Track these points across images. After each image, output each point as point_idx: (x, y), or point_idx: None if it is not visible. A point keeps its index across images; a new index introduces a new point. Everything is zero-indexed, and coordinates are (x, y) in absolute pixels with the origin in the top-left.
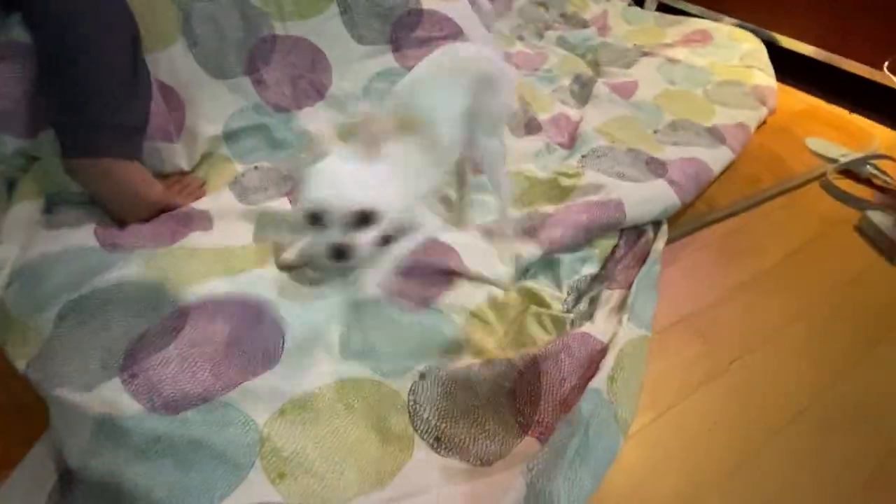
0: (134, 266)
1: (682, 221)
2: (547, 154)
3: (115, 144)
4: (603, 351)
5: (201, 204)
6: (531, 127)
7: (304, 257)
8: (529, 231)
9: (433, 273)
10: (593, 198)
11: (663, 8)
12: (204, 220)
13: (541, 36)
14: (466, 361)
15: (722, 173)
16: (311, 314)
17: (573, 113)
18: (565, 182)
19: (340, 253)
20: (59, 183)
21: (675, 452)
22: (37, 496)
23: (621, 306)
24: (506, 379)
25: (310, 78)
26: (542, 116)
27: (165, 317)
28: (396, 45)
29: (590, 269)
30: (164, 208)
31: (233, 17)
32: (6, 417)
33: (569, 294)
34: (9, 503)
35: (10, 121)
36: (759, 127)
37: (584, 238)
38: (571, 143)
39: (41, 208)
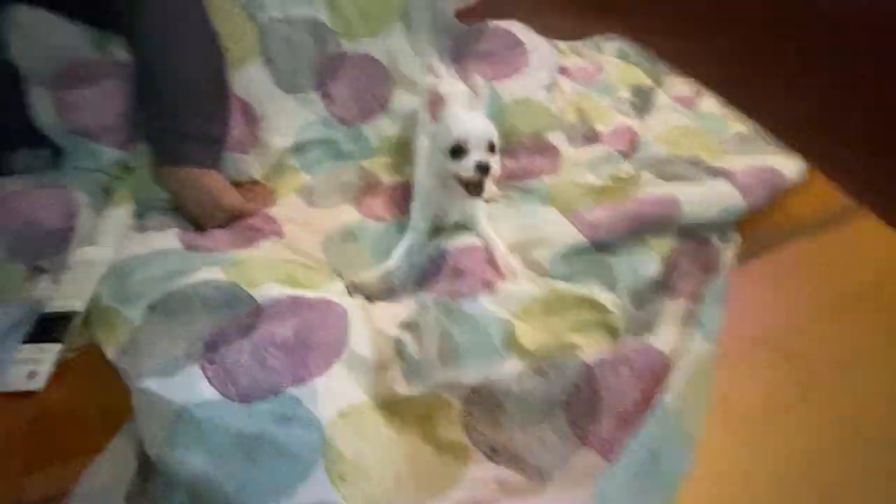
0: (214, 268)
1: (758, 234)
2: (605, 163)
3: (199, 154)
4: (666, 366)
5: (272, 210)
6: (589, 138)
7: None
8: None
9: (476, 269)
10: (646, 195)
11: None
12: (276, 226)
13: (599, 48)
14: (516, 367)
15: (800, 184)
16: (372, 319)
17: (633, 123)
18: (619, 186)
19: (485, 168)
20: (150, 190)
21: (757, 482)
22: (117, 483)
23: (686, 318)
24: (561, 391)
25: (373, 92)
26: (601, 128)
27: (241, 315)
28: (457, 58)
29: (649, 270)
30: (239, 215)
31: (305, 36)
32: (93, 407)
33: (627, 299)
34: (91, 489)
35: (111, 133)
36: None
37: (631, 229)
38: (631, 151)
39: (132, 213)
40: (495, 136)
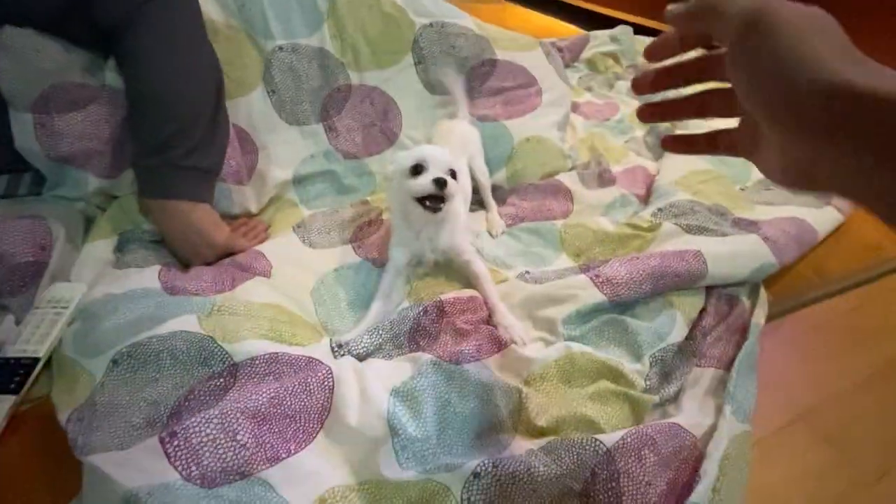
0: (189, 317)
1: (789, 293)
2: (620, 207)
3: (189, 187)
4: (694, 447)
5: (265, 247)
6: (604, 179)
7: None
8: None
9: (481, 325)
10: (668, 247)
11: None
12: (265, 264)
13: (611, 86)
14: (524, 446)
15: (830, 237)
16: (362, 380)
17: (650, 165)
18: (637, 234)
19: (442, 182)
20: (133, 221)
21: None
22: None
23: (715, 389)
24: (575, 479)
25: (381, 126)
26: (616, 168)
27: (215, 374)
28: (469, 95)
29: (676, 335)
30: (229, 252)
31: (311, 66)
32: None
33: (651, 367)
34: None
35: (95, 161)
36: None
37: (654, 288)
38: (648, 196)
39: (113, 246)
40: (457, 167)
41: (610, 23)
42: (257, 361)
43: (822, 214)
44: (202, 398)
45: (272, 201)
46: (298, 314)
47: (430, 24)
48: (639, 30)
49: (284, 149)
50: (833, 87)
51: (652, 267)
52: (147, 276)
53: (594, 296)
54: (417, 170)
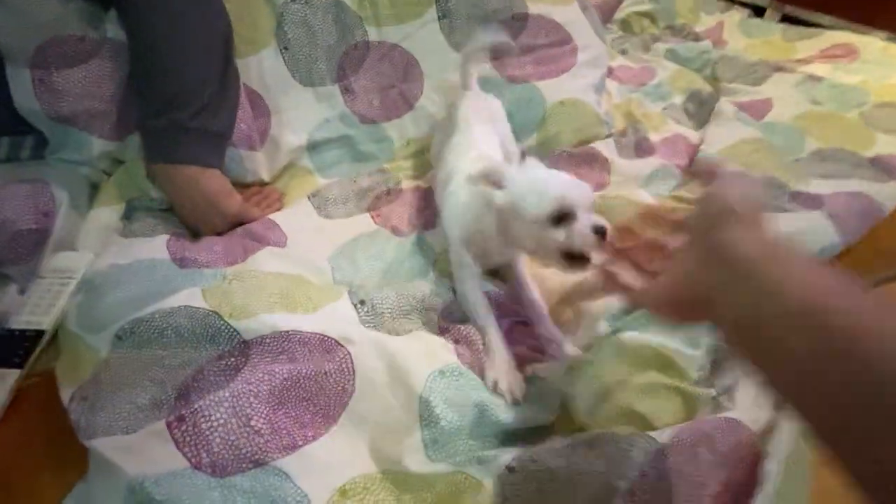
0: (195, 289)
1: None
2: (661, 179)
3: (197, 151)
4: (752, 445)
5: (279, 216)
6: (642, 148)
7: None
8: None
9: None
10: None
11: (788, 20)
12: (279, 234)
13: (647, 48)
14: (566, 440)
15: (892, 214)
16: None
17: (691, 134)
18: (683, 208)
19: (603, 230)
20: (141, 188)
21: None
22: None
23: None
24: (621, 477)
25: (400, 88)
26: (654, 137)
27: (224, 353)
28: (497, 53)
29: None
30: (241, 221)
31: (327, 20)
32: (46, 457)
33: (708, 356)
34: None
35: (98, 121)
36: None
37: None
38: (691, 167)
39: (120, 214)
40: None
41: None
42: (267, 339)
43: (888, 189)
44: (212, 378)
45: (286, 169)
46: (314, 281)
47: None
48: None
49: (298, 112)
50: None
51: None
52: (156, 246)
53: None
54: (562, 217)
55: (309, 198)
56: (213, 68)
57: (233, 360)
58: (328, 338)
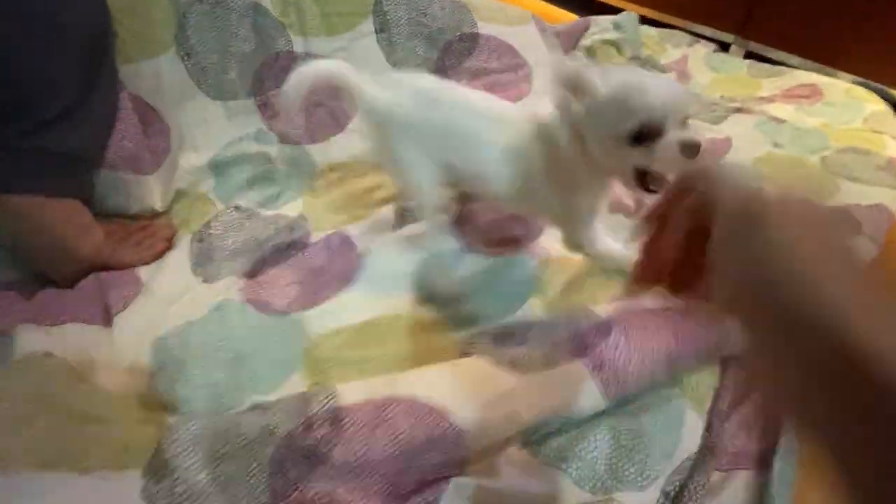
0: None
1: None
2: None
3: (42, 177)
4: None
5: (146, 270)
6: None
7: None
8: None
9: None
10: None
11: (753, 57)
12: (120, 297)
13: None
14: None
15: None
16: None
17: None
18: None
19: (695, 146)
20: None
21: None
22: None
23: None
24: None
25: (329, 107)
26: None
27: None
28: (443, 75)
29: (690, 443)
30: (101, 266)
31: (242, 26)
32: None
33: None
34: None
35: None
36: None
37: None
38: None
39: None
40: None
41: (612, 12)
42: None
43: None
44: None
45: (183, 195)
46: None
47: None
48: (644, 21)
49: (203, 129)
50: (841, 348)
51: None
52: None
53: (592, 397)
54: (647, 133)
55: (196, 241)
56: (69, 72)
57: None
58: None
